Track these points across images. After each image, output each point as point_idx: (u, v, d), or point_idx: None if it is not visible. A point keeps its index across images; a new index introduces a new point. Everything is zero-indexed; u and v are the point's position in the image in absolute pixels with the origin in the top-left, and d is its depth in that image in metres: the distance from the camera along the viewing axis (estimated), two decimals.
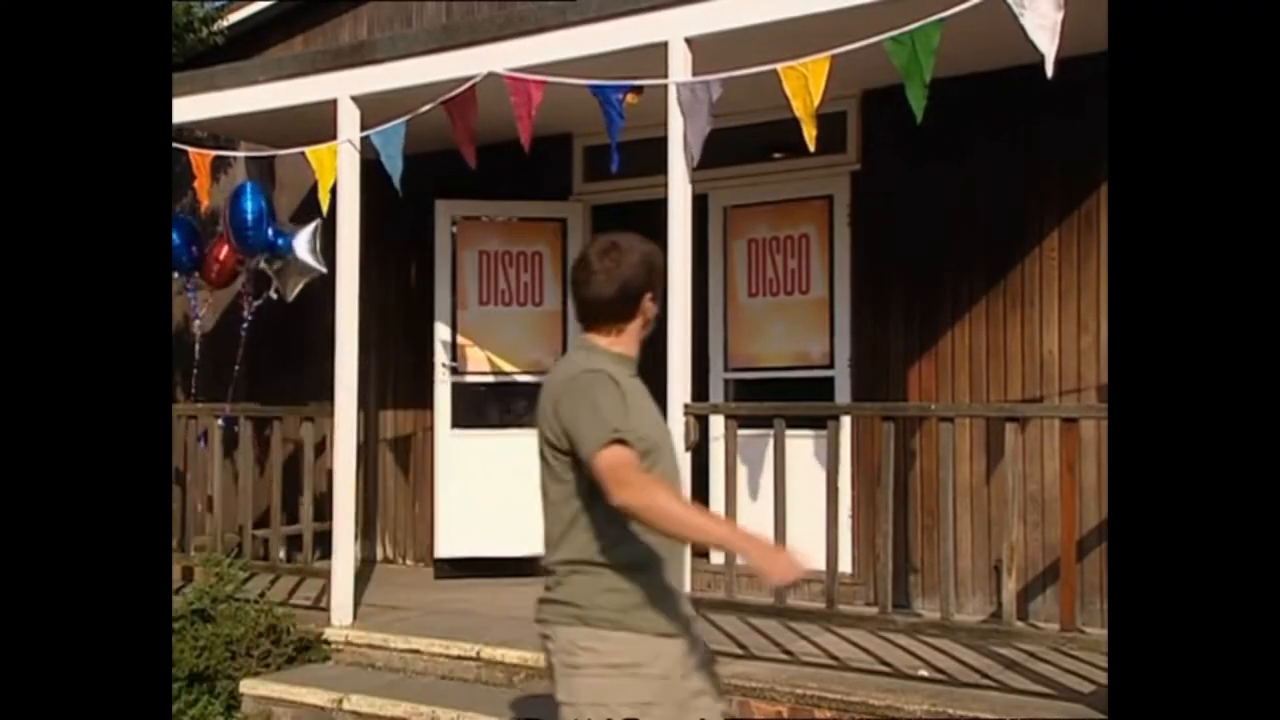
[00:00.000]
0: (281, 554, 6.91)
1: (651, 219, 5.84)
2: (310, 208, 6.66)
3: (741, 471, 5.51)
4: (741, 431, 5.40)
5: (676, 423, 4.98)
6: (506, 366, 7.40)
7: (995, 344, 6.01)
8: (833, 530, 5.13)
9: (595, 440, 2.71)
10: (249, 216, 6.85)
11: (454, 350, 7.35)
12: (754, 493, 6.03)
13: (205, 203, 6.77)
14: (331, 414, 6.23)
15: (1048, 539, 5.69)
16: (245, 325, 7.22)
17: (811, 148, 4.86)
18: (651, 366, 5.50)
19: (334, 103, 6.14)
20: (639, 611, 2.80)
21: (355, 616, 6.12)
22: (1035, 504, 5.78)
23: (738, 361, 6.77)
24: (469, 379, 7.39)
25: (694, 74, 5.10)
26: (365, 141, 6.02)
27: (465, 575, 7.16)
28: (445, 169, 6.65)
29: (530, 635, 5.60)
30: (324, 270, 6.76)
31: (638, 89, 5.27)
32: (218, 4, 8.57)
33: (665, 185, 5.19)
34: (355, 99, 6.11)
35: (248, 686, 5.54)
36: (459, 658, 5.53)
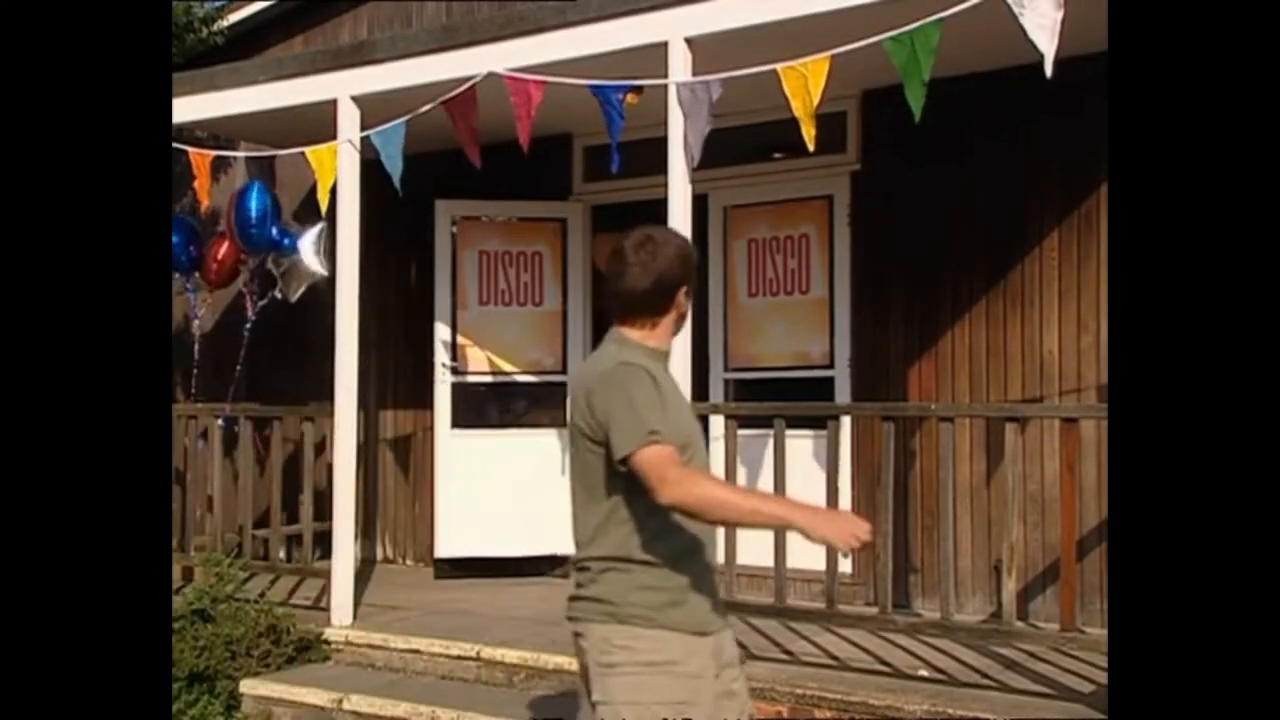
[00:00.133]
0: (281, 554, 6.91)
1: (651, 219, 5.83)
2: (310, 208, 6.66)
3: (741, 472, 5.52)
4: (741, 431, 5.40)
5: None
6: (506, 366, 7.40)
7: (995, 344, 6.01)
8: None
9: (633, 440, 2.69)
10: (253, 214, 6.88)
11: (454, 350, 7.35)
12: None
13: (205, 203, 6.77)
14: (331, 414, 6.23)
15: (1048, 539, 5.69)
16: (249, 325, 7.22)
17: (810, 147, 4.86)
18: None
19: (334, 103, 6.14)
20: (673, 610, 2.78)
21: (355, 616, 6.12)
22: (1035, 504, 5.78)
23: (738, 361, 6.77)
24: (469, 379, 7.39)
25: (694, 74, 5.10)
26: (365, 141, 6.02)
27: (465, 575, 7.17)
28: (445, 169, 6.66)
29: (530, 635, 5.67)
30: (326, 273, 6.77)
31: (638, 89, 5.27)
32: (218, 4, 8.58)
33: (665, 185, 5.19)
34: (355, 99, 6.11)
35: (248, 686, 5.54)
36: (459, 658, 5.53)
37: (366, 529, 7.89)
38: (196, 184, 6.60)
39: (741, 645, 5.20)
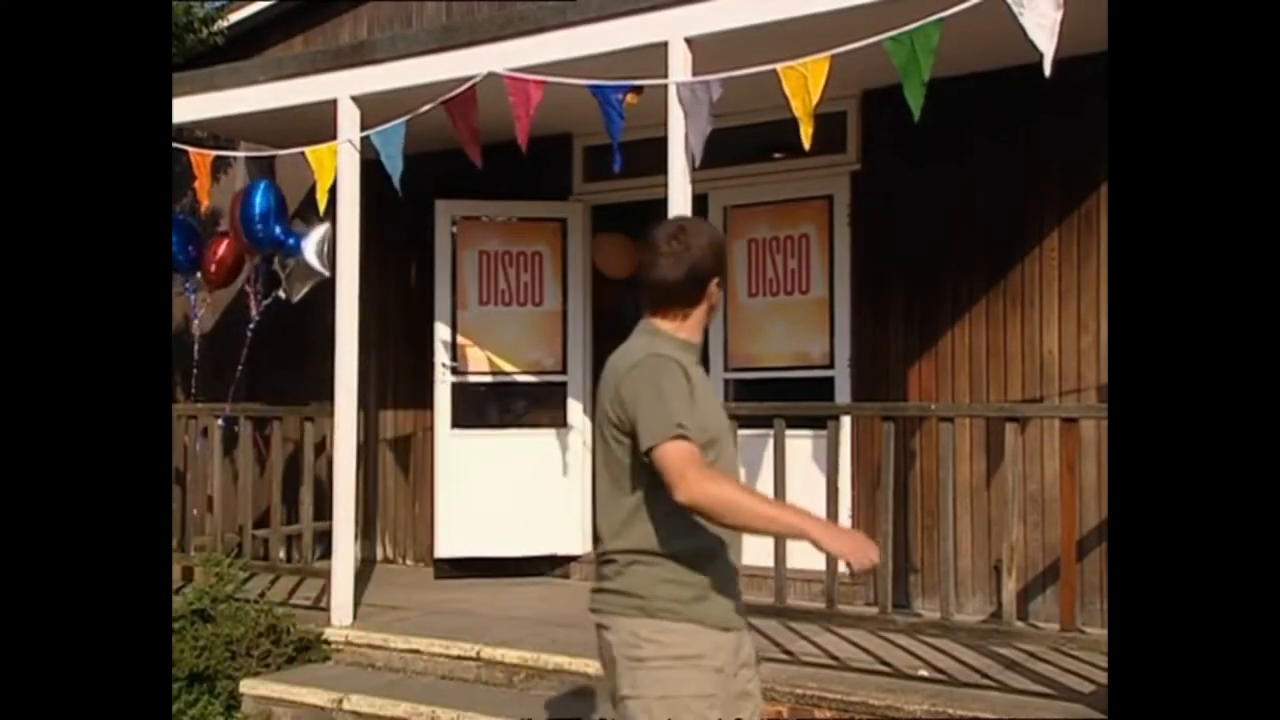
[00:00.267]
0: (281, 554, 6.91)
1: (652, 219, 5.83)
2: (310, 208, 6.66)
3: (741, 472, 5.49)
4: (741, 431, 5.39)
5: None
6: (506, 366, 7.40)
7: (995, 344, 6.01)
8: None
9: (657, 433, 2.67)
10: (256, 209, 6.90)
11: (454, 350, 7.35)
12: None
13: (205, 203, 6.78)
14: (331, 414, 6.23)
15: (1048, 539, 5.69)
16: (252, 325, 7.22)
17: (807, 146, 4.85)
18: None
19: (334, 103, 6.14)
20: (700, 604, 2.76)
21: (355, 616, 6.12)
22: (1035, 504, 5.78)
23: (738, 361, 6.77)
24: (469, 379, 7.39)
25: (694, 74, 5.10)
26: (365, 141, 6.02)
27: (465, 575, 7.17)
28: (445, 169, 6.66)
29: (530, 635, 5.67)
30: (328, 274, 6.78)
31: (638, 89, 5.27)
32: (218, 4, 8.58)
33: (665, 185, 5.19)
34: (355, 99, 6.12)
35: (248, 686, 5.54)
36: (459, 658, 5.53)
37: (366, 529, 7.89)
38: (197, 184, 6.60)
39: None
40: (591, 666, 5.19)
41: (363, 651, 5.82)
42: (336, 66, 6.22)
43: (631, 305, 8.49)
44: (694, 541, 2.77)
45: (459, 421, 7.33)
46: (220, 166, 7.54)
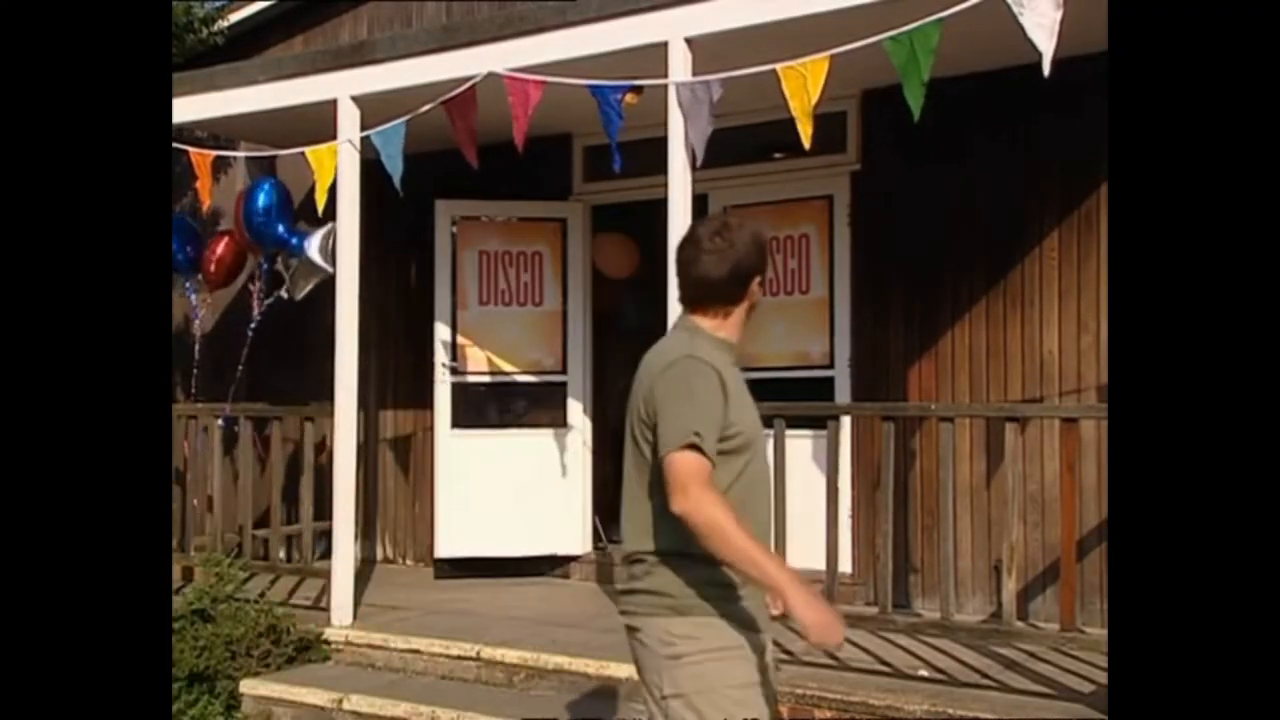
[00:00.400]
0: (281, 554, 6.91)
1: (651, 219, 5.85)
2: (310, 208, 6.66)
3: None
4: None
5: None
6: (506, 366, 7.40)
7: (995, 344, 6.01)
8: (833, 530, 5.14)
9: (672, 440, 2.63)
10: (259, 205, 6.93)
11: (454, 350, 7.35)
12: None
13: (207, 202, 6.78)
14: (331, 414, 6.23)
15: (1048, 539, 5.69)
16: (253, 324, 7.22)
17: (806, 145, 4.84)
18: None
19: (334, 103, 6.14)
20: (731, 604, 2.73)
21: (355, 616, 6.12)
22: (1035, 504, 5.78)
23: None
24: (469, 379, 7.39)
25: (694, 74, 5.10)
26: (365, 141, 6.02)
27: (465, 575, 7.17)
28: (445, 169, 6.65)
29: (530, 635, 5.67)
30: (332, 271, 6.78)
31: (637, 89, 5.27)
32: (218, 4, 8.58)
33: (665, 185, 5.19)
34: (355, 99, 6.12)
35: (248, 686, 5.54)
36: (459, 658, 5.53)
37: (366, 529, 7.89)
38: (198, 184, 6.61)
39: None
40: (591, 666, 5.20)
41: (363, 651, 5.82)
42: (336, 66, 6.22)
43: (631, 305, 8.55)
44: None
45: (459, 421, 7.33)
46: (220, 166, 7.54)
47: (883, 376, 6.29)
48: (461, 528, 7.21)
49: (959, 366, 6.11)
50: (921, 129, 4.68)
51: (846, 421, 6.10)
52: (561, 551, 7.28)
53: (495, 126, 5.69)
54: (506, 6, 6.54)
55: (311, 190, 6.22)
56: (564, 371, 7.39)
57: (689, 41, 5.13)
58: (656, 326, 5.23)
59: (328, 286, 6.59)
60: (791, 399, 5.80)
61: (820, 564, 5.09)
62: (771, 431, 5.19)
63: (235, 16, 8.43)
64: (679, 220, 5.10)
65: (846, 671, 4.88)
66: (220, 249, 7.30)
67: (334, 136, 6.11)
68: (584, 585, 7.11)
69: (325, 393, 6.53)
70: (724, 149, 5.91)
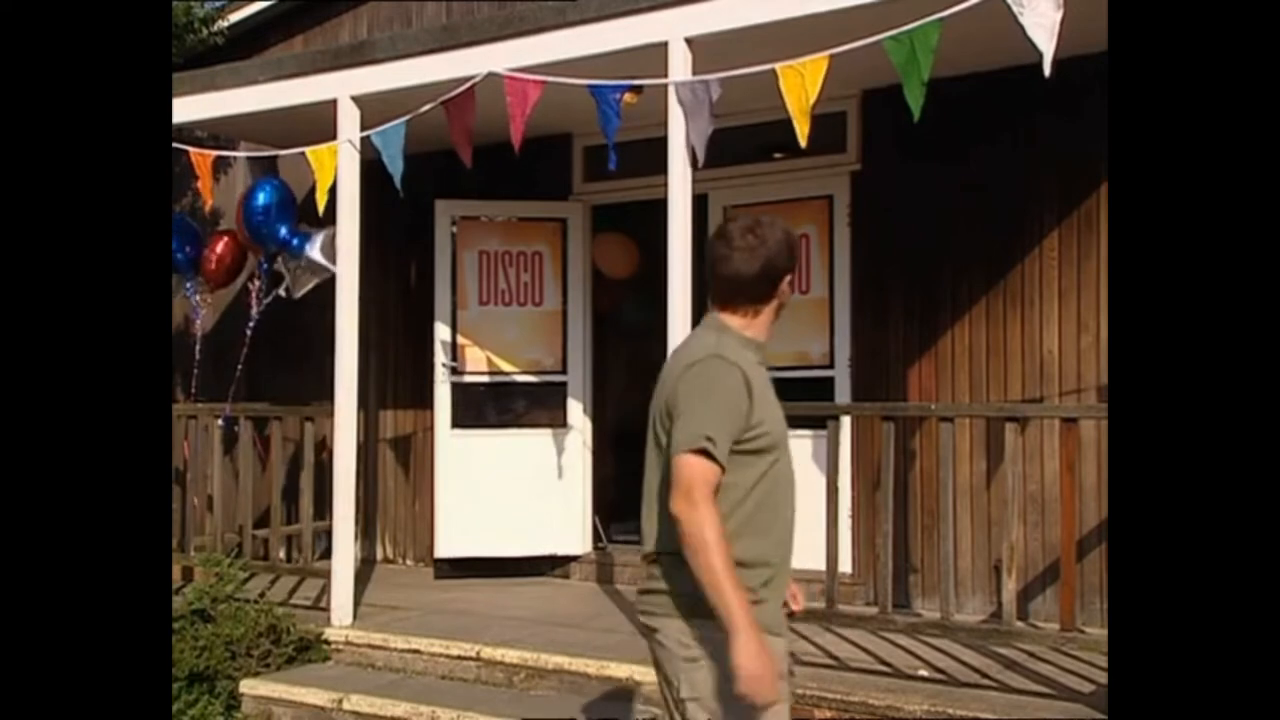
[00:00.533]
0: (281, 554, 6.91)
1: (651, 219, 5.85)
2: (310, 208, 6.67)
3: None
4: None
5: None
6: (506, 366, 7.40)
7: (995, 344, 6.01)
8: (833, 530, 5.14)
9: (686, 440, 2.62)
10: (259, 204, 6.96)
11: (454, 350, 7.35)
12: None
13: (209, 202, 6.79)
14: (331, 414, 6.23)
15: (1048, 539, 5.69)
16: (252, 324, 7.22)
17: (802, 144, 4.83)
18: (652, 368, 5.53)
19: (334, 103, 6.14)
20: (753, 608, 2.66)
21: (355, 616, 6.12)
22: (1035, 504, 5.78)
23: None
24: (469, 379, 7.39)
25: (694, 74, 5.10)
26: (365, 141, 6.02)
27: (465, 575, 7.17)
28: (445, 169, 6.66)
29: (530, 635, 5.66)
30: (334, 269, 6.78)
31: (637, 89, 5.27)
32: (218, 4, 8.58)
33: (665, 185, 5.19)
34: (355, 99, 6.12)
35: (248, 686, 5.54)
36: (459, 658, 5.53)
37: (366, 529, 7.90)
38: (199, 184, 6.61)
39: None
40: (591, 666, 5.20)
41: (363, 651, 5.82)
42: (336, 66, 6.22)
43: (631, 305, 8.55)
44: (750, 543, 2.71)
45: (459, 421, 7.33)
46: (220, 166, 7.54)
47: (882, 376, 6.29)
48: (461, 528, 7.21)
49: (959, 366, 6.11)
50: (921, 129, 4.68)
51: (846, 421, 6.10)
52: (561, 551, 7.29)
53: (495, 126, 5.69)
54: (506, 6, 6.54)
55: (312, 190, 6.22)
56: (564, 371, 7.39)
57: (689, 41, 5.13)
58: (657, 326, 5.26)
59: (328, 286, 6.59)
60: (791, 399, 5.74)
61: (820, 564, 5.09)
62: None
63: (235, 16, 8.43)
64: (679, 220, 5.10)
65: (846, 671, 4.88)
66: (220, 249, 7.31)
67: (334, 136, 6.11)
68: (584, 585, 7.11)
69: (325, 393, 6.53)
70: (724, 149, 5.91)
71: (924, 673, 4.86)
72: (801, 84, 4.78)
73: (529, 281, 7.43)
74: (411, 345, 7.80)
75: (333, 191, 6.10)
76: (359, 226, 6.20)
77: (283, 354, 7.96)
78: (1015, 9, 4.30)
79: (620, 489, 7.84)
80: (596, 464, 7.47)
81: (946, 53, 4.55)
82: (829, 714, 4.59)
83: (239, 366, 7.29)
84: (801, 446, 5.93)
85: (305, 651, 5.85)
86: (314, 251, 6.91)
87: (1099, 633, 4.61)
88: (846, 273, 6.44)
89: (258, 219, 6.94)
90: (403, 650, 5.70)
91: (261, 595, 6.40)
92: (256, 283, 7.27)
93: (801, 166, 6.44)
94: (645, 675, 5.05)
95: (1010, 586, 4.75)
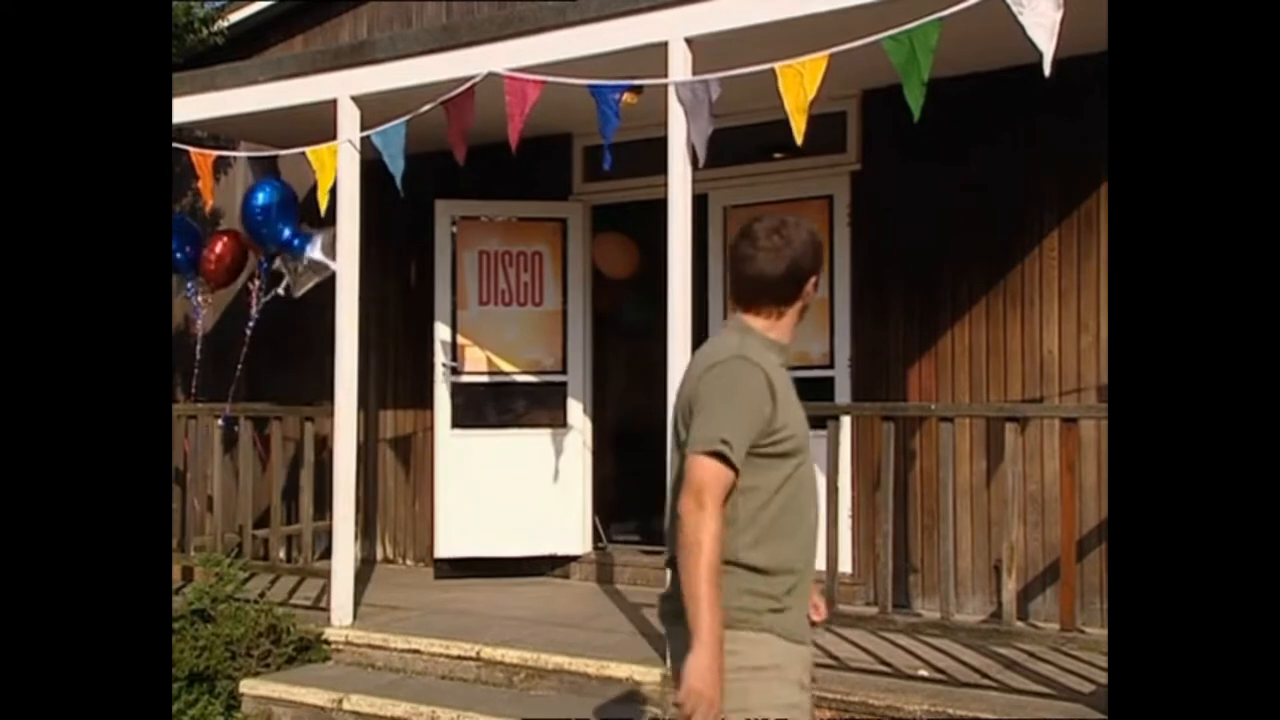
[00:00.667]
0: (281, 554, 6.91)
1: (651, 219, 5.86)
2: (310, 207, 6.67)
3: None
4: None
5: None
6: (506, 366, 7.41)
7: (995, 344, 6.01)
8: (833, 530, 5.14)
9: (702, 442, 2.58)
10: (258, 204, 6.98)
11: (454, 350, 7.35)
12: None
13: (210, 202, 6.79)
14: (331, 414, 6.23)
15: (1048, 539, 5.69)
16: (251, 324, 7.22)
17: (799, 142, 4.83)
18: (652, 368, 5.54)
19: (334, 103, 6.14)
20: (776, 615, 2.63)
21: (355, 616, 6.12)
22: (1035, 504, 5.78)
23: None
24: (469, 379, 7.39)
25: (694, 74, 5.10)
26: (365, 141, 6.02)
27: (465, 575, 7.17)
28: (445, 169, 6.65)
29: (530, 635, 5.67)
30: (335, 268, 6.78)
31: (636, 89, 5.27)
32: (218, 4, 8.58)
33: (665, 185, 5.19)
34: (355, 99, 6.12)
35: (248, 686, 5.54)
36: (459, 658, 5.53)
37: (366, 529, 7.90)
38: (199, 184, 6.61)
39: None
40: (591, 666, 5.20)
41: (363, 651, 5.82)
42: (336, 66, 6.22)
43: (631, 305, 8.55)
44: (775, 550, 2.66)
45: (459, 421, 7.33)
46: (220, 166, 7.54)
47: (882, 376, 6.29)
48: (461, 527, 7.21)
49: (959, 366, 6.11)
50: (921, 129, 4.68)
51: (846, 421, 6.09)
52: (561, 551, 7.29)
53: (495, 126, 5.68)
54: (506, 6, 6.54)
55: (313, 190, 6.22)
56: (564, 371, 7.39)
57: (689, 41, 5.13)
58: (657, 326, 5.26)
59: (328, 286, 6.59)
60: None
61: (820, 564, 5.07)
62: None
63: (235, 16, 8.43)
64: (679, 220, 5.10)
65: (846, 671, 4.88)
66: (220, 247, 7.31)
67: (334, 136, 6.11)
68: (584, 585, 7.11)
69: (325, 392, 6.53)
70: (724, 149, 5.91)
71: (924, 673, 4.86)
72: (800, 82, 4.78)
73: (529, 281, 7.43)
74: (411, 345, 7.80)
75: (333, 191, 6.10)
76: (359, 226, 6.20)
77: (283, 354, 7.96)
78: (1015, 9, 4.30)
79: (620, 489, 7.85)
80: (596, 464, 7.47)
81: (946, 53, 4.55)
82: (829, 714, 4.59)
83: (239, 366, 7.29)
84: None
85: (305, 651, 5.85)
86: (315, 251, 6.91)
87: (1099, 633, 4.61)
88: (846, 273, 6.44)
89: (258, 219, 6.95)
90: (403, 650, 5.70)
91: (261, 595, 6.40)
92: (256, 282, 7.27)
93: (801, 166, 6.44)
94: (645, 675, 5.06)
95: (1010, 586, 4.75)
